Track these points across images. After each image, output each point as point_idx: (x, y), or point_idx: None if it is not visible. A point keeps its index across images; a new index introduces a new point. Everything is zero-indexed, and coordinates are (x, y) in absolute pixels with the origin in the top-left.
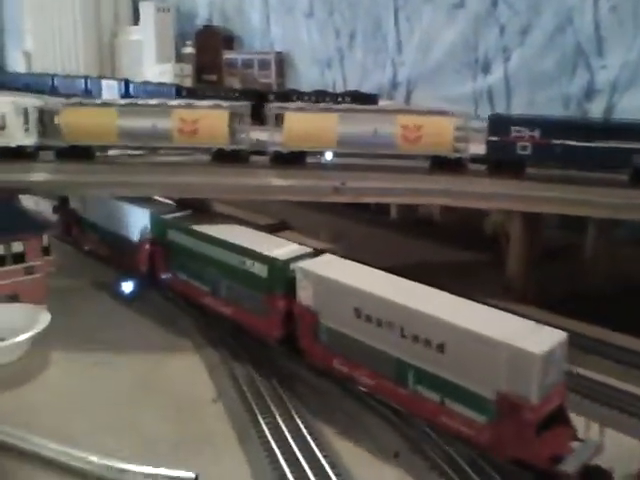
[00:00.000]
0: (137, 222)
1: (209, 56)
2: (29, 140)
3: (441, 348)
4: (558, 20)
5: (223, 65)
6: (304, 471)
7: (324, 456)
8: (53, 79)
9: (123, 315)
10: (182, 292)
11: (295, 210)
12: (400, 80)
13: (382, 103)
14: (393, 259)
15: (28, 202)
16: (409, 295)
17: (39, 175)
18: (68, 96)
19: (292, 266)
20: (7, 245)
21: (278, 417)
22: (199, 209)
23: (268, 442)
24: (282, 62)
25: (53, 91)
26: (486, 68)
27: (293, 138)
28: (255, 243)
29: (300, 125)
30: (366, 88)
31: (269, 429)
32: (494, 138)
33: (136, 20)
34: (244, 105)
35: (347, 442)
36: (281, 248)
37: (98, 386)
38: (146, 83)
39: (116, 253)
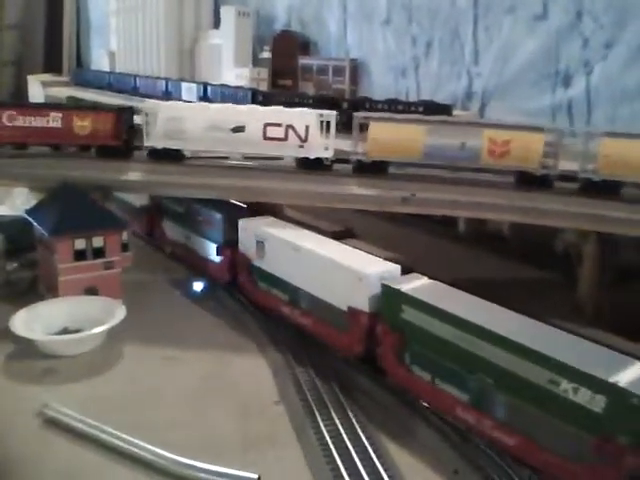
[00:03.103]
0: (347, 286)
1: (285, 61)
2: (328, 153)
3: None
4: None
5: (298, 70)
6: None
7: (385, 469)
8: (135, 80)
9: (192, 312)
10: (420, 393)
11: (358, 217)
12: (475, 91)
13: (456, 114)
14: (458, 272)
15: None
16: None
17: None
18: (148, 97)
19: None
20: (88, 240)
21: (339, 425)
22: (270, 213)
23: (329, 449)
24: (356, 69)
25: (135, 91)
26: (566, 81)
27: (608, 166)
28: (575, 356)
29: (618, 152)
30: (439, 98)
31: (330, 437)
32: None
33: (217, 24)
34: (558, 131)
35: (406, 456)
36: (624, 368)
37: (167, 381)
38: (223, 86)
39: (306, 317)
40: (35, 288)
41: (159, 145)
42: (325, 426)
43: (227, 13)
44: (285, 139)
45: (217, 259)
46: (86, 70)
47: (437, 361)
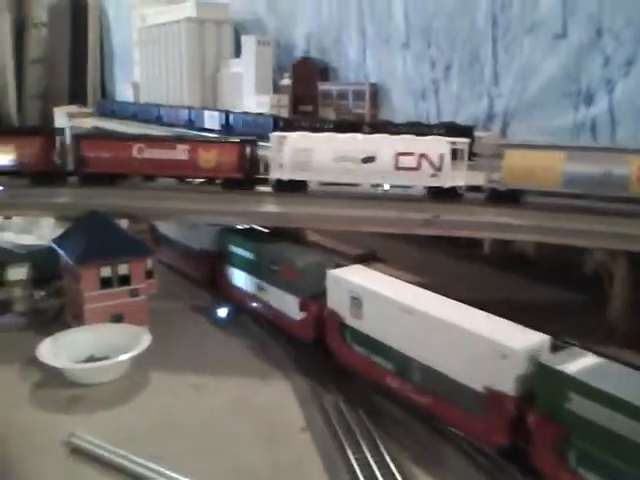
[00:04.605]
0: (483, 361)
1: (305, 87)
2: (462, 181)
3: None
4: None
5: (318, 96)
6: None
7: None
8: (159, 109)
9: (217, 339)
10: None
11: (382, 241)
12: (496, 112)
13: (478, 135)
14: (485, 295)
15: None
16: None
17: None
18: (172, 126)
19: None
20: (114, 268)
21: (367, 452)
22: (293, 238)
23: (357, 479)
24: (376, 93)
25: (158, 121)
26: (588, 100)
27: None
28: None
29: None
30: (460, 119)
31: (359, 467)
32: None
33: (237, 53)
34: None
35: None
36: None
37: (193, 409)
38: (245, 114)
39: (421, 394)
40: (62, 316)
41: (285, 177)
42: (353, 454)
43: (247, 42)
44: (418, 168)
45: (299, 315)
46: (110, 101)
47: (619, 467)
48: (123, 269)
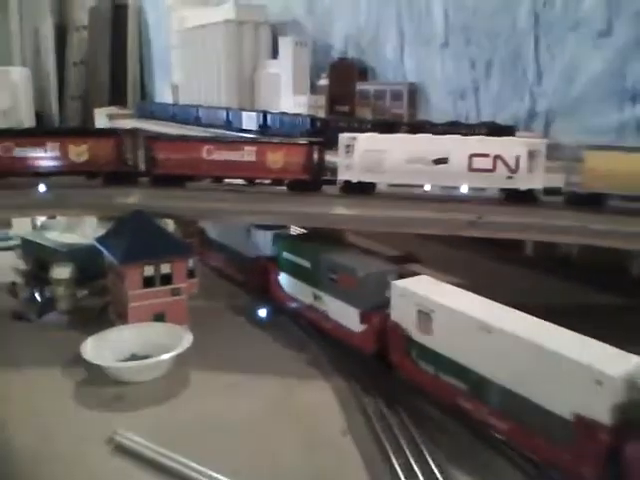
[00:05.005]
0: (574, 387)
1: (342, 87)
2: (537, 183)
3: None
4: None
5: (355, 96)
6: None
7: None
8: (197, 110)
9: (257, 339)
10: None
11: (419, 242)
12: (539, 111)
13: (520, 135)
14: (528, 298)
15: None
16: None
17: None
18: (210, 126)
19: None
20: (156, 267)
21: (411, 458)
22: (333, 238)
23: None
24: (414, 93)
25: (197, 122)
26: (634, 98)
27: None
28: None
29: None
30: (501, 119)
31: (403, 472)
32: None
33: (275, 54)
34: None
35: None
36: None
37: (233, 409)
38: (283, 114)
39: (499, 419)
40: (105, 315)
41: (355, 178)
42: (396, 459)
43: (285, 44)
44: (493, 170)
45: (359, 327)
46: (149, 102)
47: None
48: (165, 268)
